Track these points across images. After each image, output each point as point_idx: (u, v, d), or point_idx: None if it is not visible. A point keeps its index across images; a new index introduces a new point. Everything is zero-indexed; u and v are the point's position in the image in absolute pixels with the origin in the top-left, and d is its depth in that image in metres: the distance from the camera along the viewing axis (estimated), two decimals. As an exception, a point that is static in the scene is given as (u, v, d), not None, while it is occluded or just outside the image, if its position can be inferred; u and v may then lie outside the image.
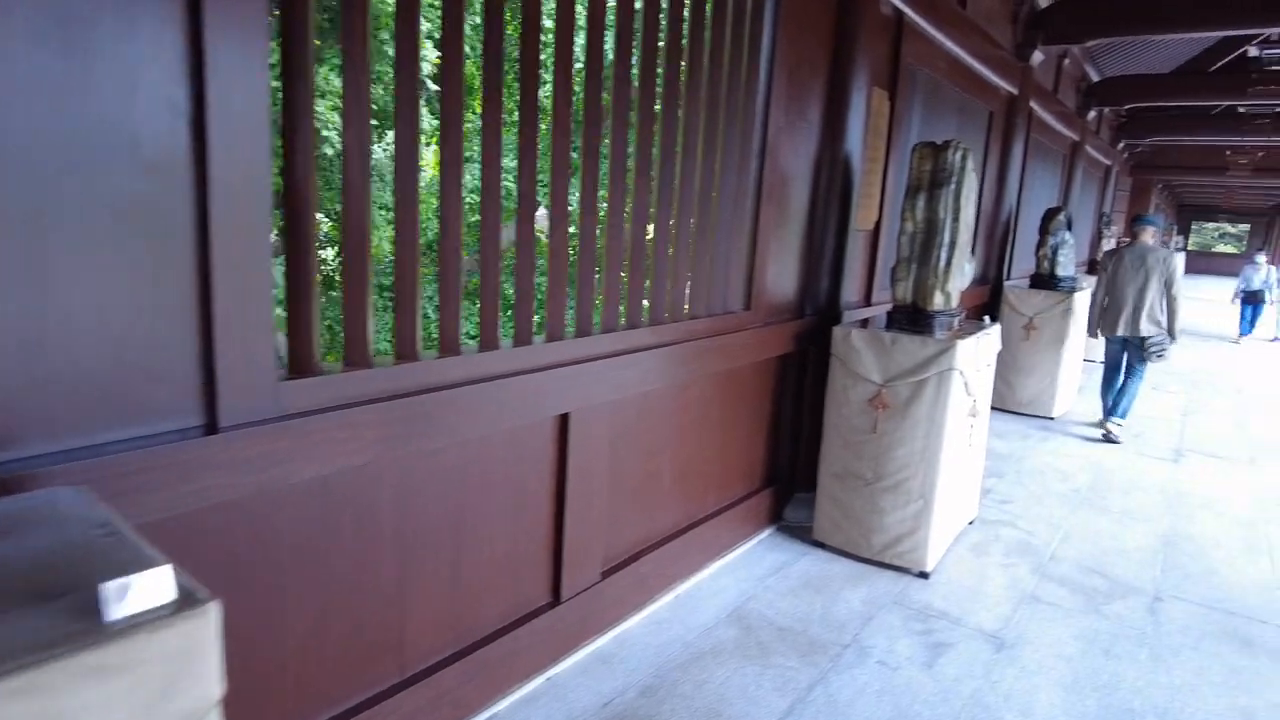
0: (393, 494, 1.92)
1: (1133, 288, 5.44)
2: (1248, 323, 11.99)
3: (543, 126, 2.40)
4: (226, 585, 1.61)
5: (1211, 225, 38.93)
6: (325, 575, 1.81)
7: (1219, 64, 9.20)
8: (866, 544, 3.38)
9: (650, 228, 2.75)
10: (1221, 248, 39.01)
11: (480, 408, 2.04)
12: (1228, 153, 15.05)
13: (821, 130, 3.58)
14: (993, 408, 6.31)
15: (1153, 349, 5.46)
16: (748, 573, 3.25)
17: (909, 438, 3.23)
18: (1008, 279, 6.95)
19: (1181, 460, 5.31)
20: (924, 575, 3.29)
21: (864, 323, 3.51)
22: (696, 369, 2.94)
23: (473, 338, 2.22)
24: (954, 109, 5.26)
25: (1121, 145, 12.61)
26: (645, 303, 2.75)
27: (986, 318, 3.79)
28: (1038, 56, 6.27)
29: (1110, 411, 5.70)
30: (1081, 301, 6.16)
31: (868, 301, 4.37)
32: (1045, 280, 6.18)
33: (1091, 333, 5.82)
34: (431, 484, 2.02)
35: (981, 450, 3.81)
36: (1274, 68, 7.34)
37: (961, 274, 3.40)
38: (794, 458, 3.79)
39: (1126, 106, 9.99)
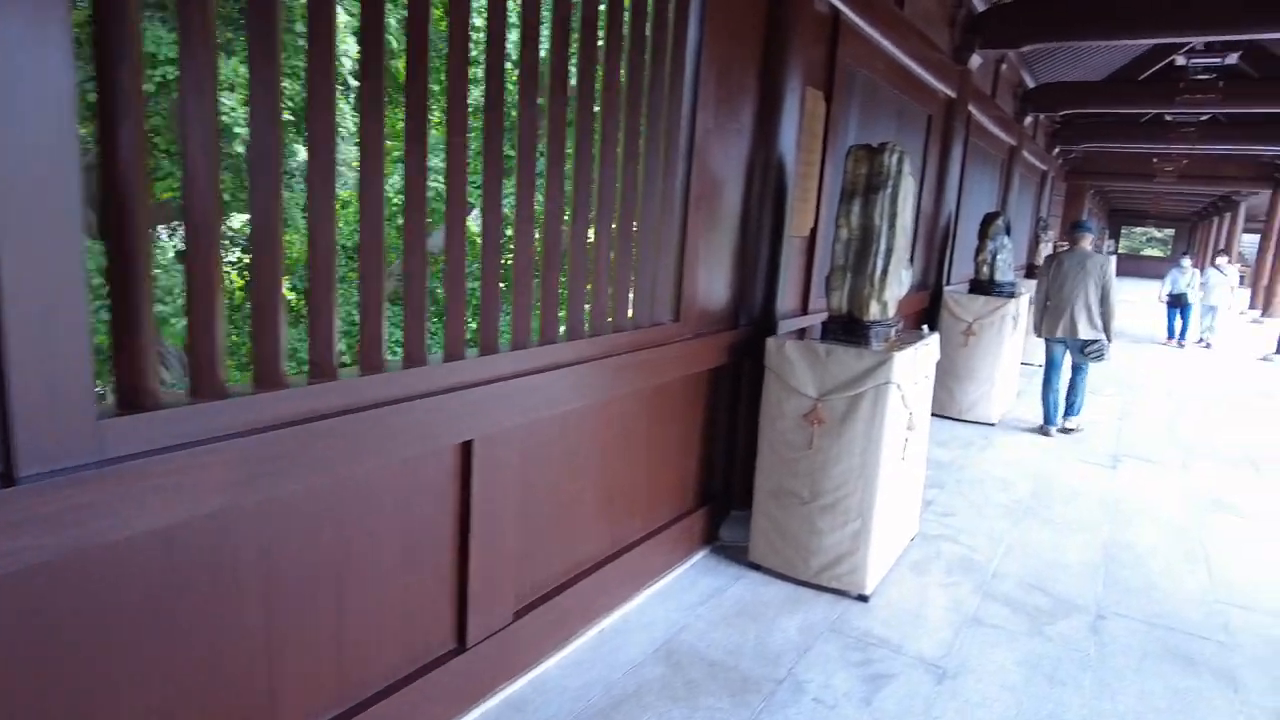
0: (256, 543, 1.67)
1: (1072, 291, 5.64)
2: (1174, 326, 12.00)
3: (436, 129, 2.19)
4: (43, 663, 1.35)
5: (1140, 230, 40.33)
6: (174, 641, 1.55)
7: (1148, 72, 9.38)
8: (804, 566, 3.22)
9: (567, 236, 2.54)
10: (1149, 251, 40.42)
11: (362, 439, 1.80)
12: (1155, 160, 15.49)
13: (754, 133, 3.41)
14: (934, 414, 6.26)
15: (1091, 353, 5.70)
16: (679, 601, 3.05)
17: (846, 454, 3.08)
18: (948, 284, 6.91)
19: (1119, 466, 5.30)
20: (864, 598, 3.14)
21: (801, 333, 3.37)
22: (621, 385, 2.74)
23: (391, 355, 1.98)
24: (892, 112, 5.17)
25: (1057, 151, 12.83)
26: (562, 314, 2.54)
27: (925, 327, 3.68)
28: (976, 60, 6.25)
29: (1066, 411, 5.98)
30: (1020, 306, 6.14)
31: (804, 310, 4.23)
32: (984, 285, 6.15)
33: (1036, 333, 5.99)
34: (305, 528, 1.77)
35: (921, 464, 3.69)
36: (1200, 77, 7.49)
37: (899, 282, 3.26)
38: (730, 475, 3.62)
39: (1061, 112, 10.13)
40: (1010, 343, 6.03)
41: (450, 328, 2.10)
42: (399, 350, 2.07)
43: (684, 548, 3.36)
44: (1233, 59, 7.25)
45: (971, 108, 6.80)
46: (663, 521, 3.24)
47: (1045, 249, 9.63)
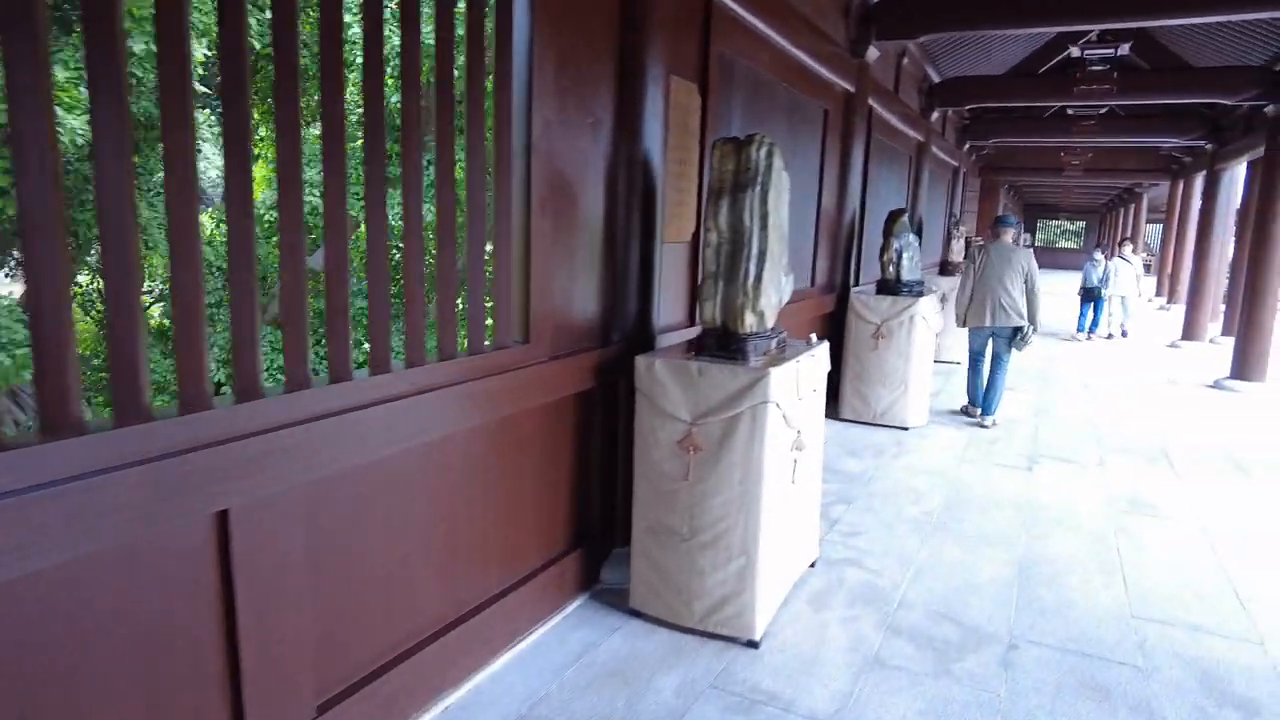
0: None
1: (997, 283, 5.86)
2: (1085, 319, 11.89)
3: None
4: None
5: (1055, 223, 41.67)
6: None
7: (1048, 66, 9.42)
8: (688, 611, 2.86)
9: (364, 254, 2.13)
10: (1064, 244, 41.78)
11: (46, 524, 1.36)
12: (1062, 154, 15.81)
13: (614, 128, 3.06)
14: (849, 420, 6.03)
15: (1018, 341, 5.92)
16: (545, 663, 2.66)
17: (724, 484, 2.74)
18: (856, 285, 6.70)
19: (1036, 468, 5.11)
20: (753, 644, 2.79)
21: (691, 345, 3.01)
22: (456, 421, 2.35)
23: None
24: (783, 106, 4.90)
25: (967, 147, 12.91)
26: (361, 342, 2.13)
27: (813, 336, 3.37)
28: (873, 52, 6.04)
29: (984, 410, 6.16)
30: (929, 304, 5.94)
31: (692, 321, 3.89)
32: (891, 285, 5.93)
33: (960, 323, 6.17)
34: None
35: (816, 484, 3.38)
36: (1095, 68, 7.48)
37: (777, 289, 2.94)
38: (610, 509, 3.25)
39: (967, 107, 10.12)
40: (921, 343, 5.81)
41: (184, 374, 1.66)
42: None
43: (556, 597, 2.97)
44: (1124, 50, 7.26)
45: (873, 102, 6.61)
46: (527, 571, 2.85)
47: (958, 245, 9.54)
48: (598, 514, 3.21)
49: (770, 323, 2.94)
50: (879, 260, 6.00)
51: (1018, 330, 5.87)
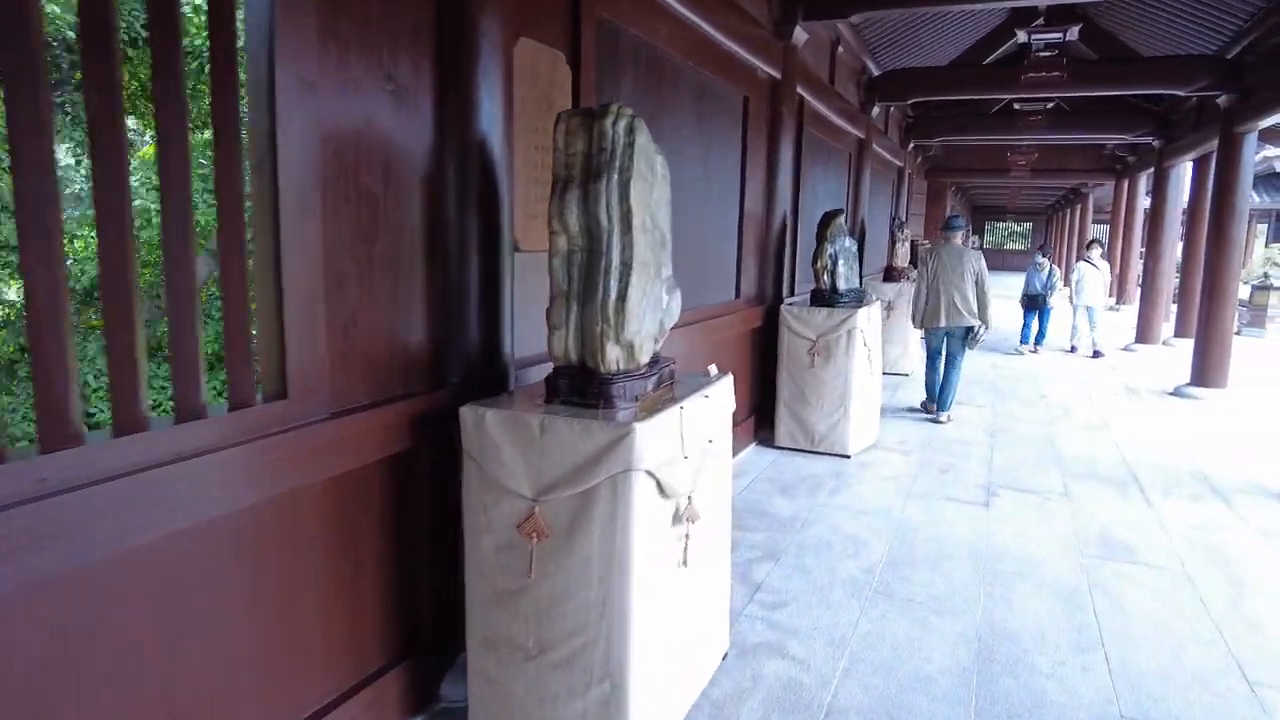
0: None
1: (949, 283, 6.01)
2: (1030, 330, 10.40)
3: None
4: None
5: (1002, 225, 41.94)
6: None
7: (994, 56, 8.90)
8: (540, 753, 2.10)
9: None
10: (1011, 245, 42.06)
11: None
12: (1009, 154, 15.46)
13: (436, 102, 2.30)
14: (785, 448, 5.33)
15: (971, 340, 6.09)
16: None
17: (579, 583, 1.99)
18: (791, 297, 6.03)
19: (993, 502, 4.46)
20: (626, 800, 2.04)
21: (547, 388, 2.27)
22: (178, 516, 1.57)
23: None
24: (690, 90, 4.19)
25: (912, 146, 12.42)
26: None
27: (712, 368, 2.64)
28: (800, 34, 5.38)
29: (939, 407, 6.30)
30: (869, 316, 5.29)
31: (573, 348, 3.13)
32: (826, 296, 5.25)
33: (916, 324, 6.34)
34: None
35: (719, 563, 2.64)
36: (1044, 54, 6.96)
37: (655, 310, 2.21)
38: (450, 606, 2.47)
39: (909, 101, 9.57)
40: (861, 359, 5.15)
41: None
42: None
43: (368, 734, 2.18)
44: (1074, 34, 6.74)
45: (805, 93, 5.96)
46: (320, 704, 2.06)
47: (903, 250, 8.93)
48: (430, 614, 2.43)
49: (645, 356, 2.20)
50: (812, 268, 5.32)
51: (969, 330, 6.04)
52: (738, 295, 5.11)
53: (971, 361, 8.45)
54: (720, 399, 2.50)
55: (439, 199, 2.34)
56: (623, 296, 2.06)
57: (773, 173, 5.42)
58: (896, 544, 3.81)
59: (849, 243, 5.36)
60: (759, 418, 5.48)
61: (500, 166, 2.42)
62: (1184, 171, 11.15)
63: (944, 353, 6.27)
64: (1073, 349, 10.34)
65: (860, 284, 6.00)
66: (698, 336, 4.29)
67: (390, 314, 2.21)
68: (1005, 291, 16.16)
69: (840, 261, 5.22)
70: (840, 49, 7.30)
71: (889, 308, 8.07)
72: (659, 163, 2.22)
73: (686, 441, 2.18)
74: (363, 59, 2.04)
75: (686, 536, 2.27)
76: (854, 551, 3.71)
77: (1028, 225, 40.58)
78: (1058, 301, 10.69)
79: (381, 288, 2.17)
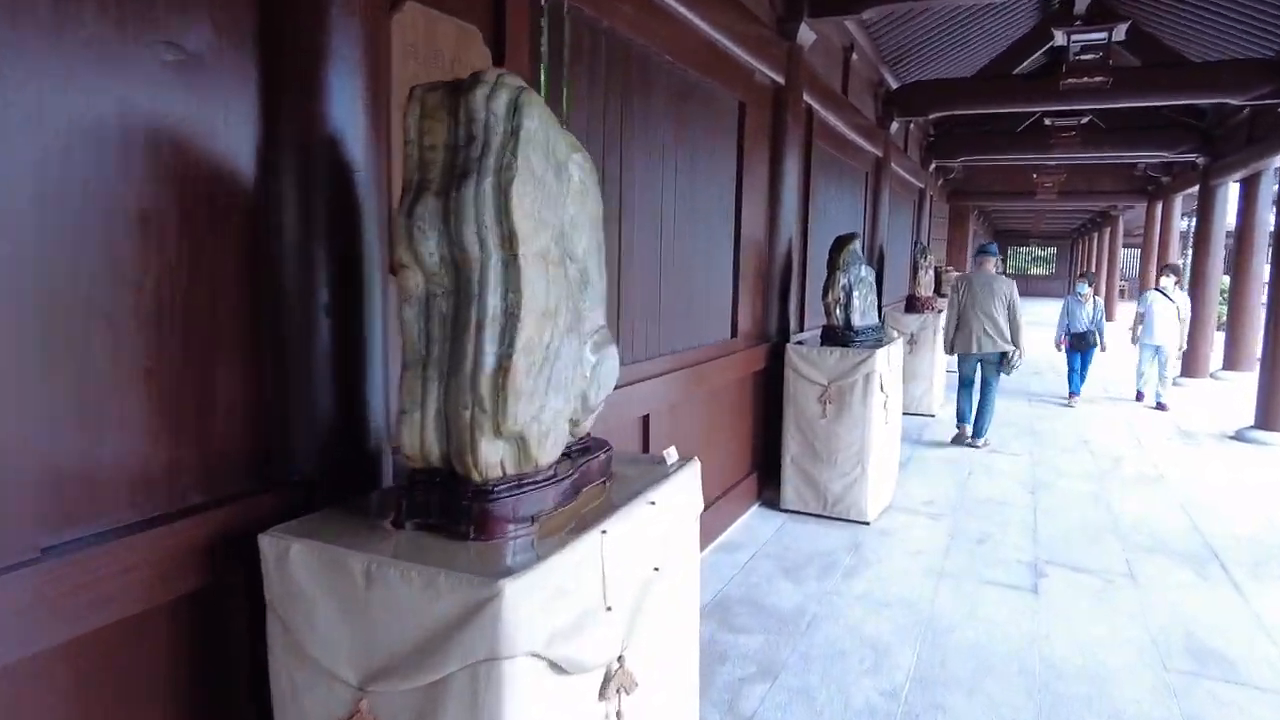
0: None
1: (981, 310, 6.04)
2: (1079, 375, 8.38)
3: None
4: None
5: (1025, 250, 41.00)
6: None
7: (1024, 64, 8.15)
8: None
9: None
10: (1034, 270, 41.07)
11: None
12: (1035, 175, 14.68)
13: (263, 85, 1.61)
14: (793, 512, 4.56)
15: (1006, 366, 6.11)
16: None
17: (426, 830, 1.24)
18: (799, 334, 5.28)
19: (1042, 585, 3.66)
20: None
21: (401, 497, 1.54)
22: None
23: None
24: (669, 92, 3.49)
25: (934, 167, 11.68)
26: None
27: (670, 451, 1.89)
28: (807, 34, 4.69)
29: (975, 433, 6.24)
30: (889, 358, 4.53)
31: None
32: (839, 334, 4.50)
33: (948, 350, 6.39)
34: None
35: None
36: (1085, 57, 6.21)
37: (565, 382, 1.47)
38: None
39: (931, 116, 8.85)
40: (879, 408, 4.38)
41: None
42: None
43: None
44: (1120, 34, 5.99)
45: (814, 102, 5.26)
46: None
47: (927, 278, 8.14)
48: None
49: (549, 453, 1.46)
50: (823, 301, 4.57)
51: (1003, 355, 6.06)
52: (734, 334, 4.37)
53: (1008, 410, 7.62)
54: (678, 501, 1.75)
55: (264, 219, 1.63)
56: (505, 363, 1.33)
57: (776, 192, 4.70)
58: (926, 651, 3.02)
59: (865, 271, 4.61)
60: (762, 475, 4.70)
61: (363, 172, 1.71)
62: (1230, 191, 10.31)
63: (976, 381, 6.26)
64: (1139, 396, 8.47)
65: (879, 317, 5.25)
66: (684, 384, 3.55)
67: (174, 386, 1.49)
68: (1031, 318, 15.26)
69: (855, 293, 4.48)
70: (855, 57, 6.61)
71: (912, 341, 7.31)
72: (575, 163, 1.50)
73: (612, 585, 1.43)
74: (115, 10, 1.35)
75: (618, 715, 1.51)
76: (873, 664, 2.92)
77: (1051, 250, 39.60)
78: (1113, 340, 8.91)
79: (161, 350, 1.46)
